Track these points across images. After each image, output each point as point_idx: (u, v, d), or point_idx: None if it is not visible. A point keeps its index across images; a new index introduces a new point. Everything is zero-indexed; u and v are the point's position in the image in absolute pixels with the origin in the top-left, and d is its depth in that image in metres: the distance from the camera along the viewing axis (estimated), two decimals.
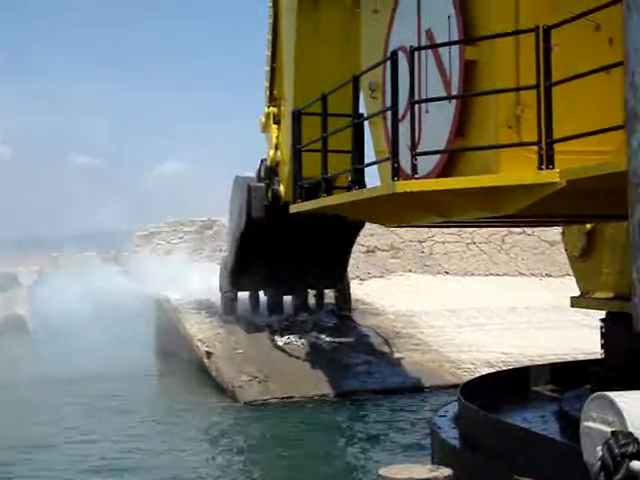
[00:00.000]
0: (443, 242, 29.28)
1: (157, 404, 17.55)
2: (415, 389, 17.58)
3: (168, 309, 23.08)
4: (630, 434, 4.85)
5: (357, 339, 20.29)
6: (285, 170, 18.46)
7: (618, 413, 5.01)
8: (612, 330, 8.86)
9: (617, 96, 6.67)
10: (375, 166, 9.05)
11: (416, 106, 7.43)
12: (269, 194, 19.34)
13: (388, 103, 7.85)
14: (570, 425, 7.27)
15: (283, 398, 16.69)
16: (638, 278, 5.05)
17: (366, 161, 9.24)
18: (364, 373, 18.16)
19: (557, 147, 6.55)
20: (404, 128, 7.48)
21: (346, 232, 19.91)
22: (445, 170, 7.54)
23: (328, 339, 19.83)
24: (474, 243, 29.50)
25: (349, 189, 9.47)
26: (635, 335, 5.32)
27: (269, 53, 19.63)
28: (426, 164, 7.51)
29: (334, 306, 21.92)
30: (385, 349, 19.86)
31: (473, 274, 28.15)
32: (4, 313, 29.62)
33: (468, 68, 7.23)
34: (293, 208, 11.61)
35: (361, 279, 26.27)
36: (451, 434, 8.47)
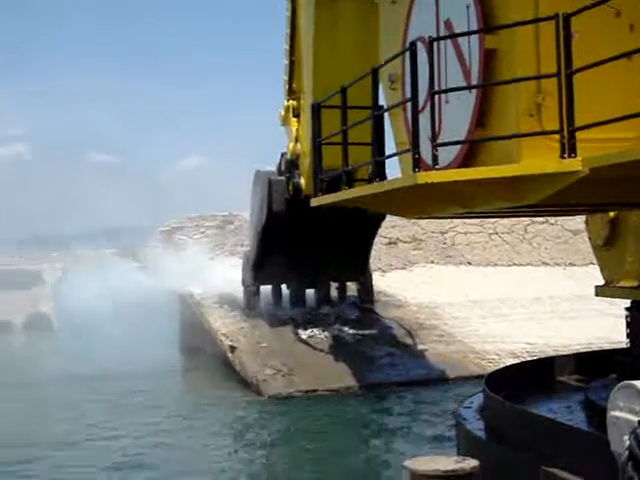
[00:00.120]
0: (465, 233, 29.17)
1: (182, 399, 17.61)
2: (439, 380, 17.55)
3: (192, 304, 23.16)
4: None
5: (380, 331, 20.27)
6: (305, 163, 18.45)
7: None
8: (638, 319, 8.80)
9: (638, 82, 6.63)
10: (396, 158, 9.02)
11: (436, 97, 7.39)
12: (290, 187, 19.33)
13: (408, 94, 7.81)
14: (596, 415, 7.23)
15: (307, 391, 16.71)
16: None
17: (386, 153, 9.21)
18: (388, 365, 18.14)
19: (579, 135, 6.50)
20: (424, 119, 7.44)
21: (368, 224, 19.88)
22: (466, 160, 7.50)
23: (351, 331, 19.83)
24: (496, 233, 29.36)
25: (370, 181, 9.43)
26: None
27: (287, 47, 19.61)
28: (447, 155, 7.47)
29: (356, 299, 21.91)
30: (408, 341, 19.83)
31: (496, 264, 28.02)
32: (29, 311, 29.86)
33: (488, 57, 7.18)
34: (314, 202, 11.59)
35: (383, 271, 26.22)
36: (476, 425, 8.46)
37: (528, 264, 28.23)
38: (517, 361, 16.38)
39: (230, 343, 19.15)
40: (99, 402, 16.73)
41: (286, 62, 19.83)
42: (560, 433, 6.97)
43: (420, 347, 19.36)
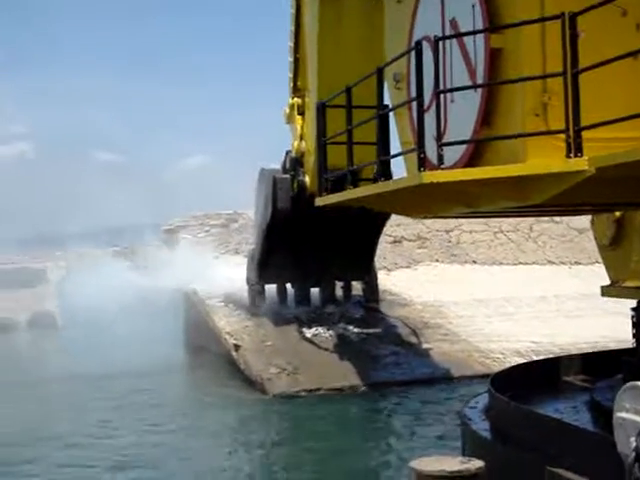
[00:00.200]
0: (470, 231, 29.13)
1: (186, 398, 17.57)
2: (444, 379, 17.52)
3: (196, 302, 23.16)
4: None
5: (385, 330, 20.24)
6: (310, 161, 18.42)
7: None
8: None
9: None
10: (401, 157, 9.00)
11: (441, 96, 7.38)
12: (295, 185, 19.31)
13: (413, 94, 7.81)
14: (602, 415, 7.21)
15: (312, 390, 16.69)
16: None
17: (392, 152, 9.19)
18: (392, 364, 18.12)
19: (585, 134, 6.48)
20: (429, 118, 7.43)
21: (372, 223, 19.85)
22: (472, 160, 7.49)
23: (356, 330, 19.80)
24: (502, 232, 29.32)
25: (375, 181, 9.42)
26: None
27: (292, 44, 19.59)
28: (452, 154, 7.46)
29: (362, 298, 21.88)
30: (413, 340, 19.81)
31: (501, 263, 27.97)
32: (34, 309, 29.89)
33: (493, 56, 7.17)
34: (319, 201, 11.58)
35: (388, 270, 26.19)
36: (482, 426, 8.44)
37: (533, 263, 28.17)
38: (522, 360, 16.38)
39: (234, 342, 19.14)
40: (103, 400, 16.73)
41: (290, 59, 19.81)
42: (566, 434, 6.95)
43: (425, 346, 19.34)
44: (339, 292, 21.84)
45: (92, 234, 40.27)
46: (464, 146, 7.51)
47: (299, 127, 19.58)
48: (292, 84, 19.90)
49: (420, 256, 27.99)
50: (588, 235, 22.18)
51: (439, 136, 7.31)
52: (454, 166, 7.47)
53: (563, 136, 6.55)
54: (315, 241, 19.90)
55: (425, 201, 8.41)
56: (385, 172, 9.03)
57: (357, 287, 22.12)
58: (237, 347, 18.90)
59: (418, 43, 7.53)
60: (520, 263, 28.09)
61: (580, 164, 6.44)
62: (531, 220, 29.17)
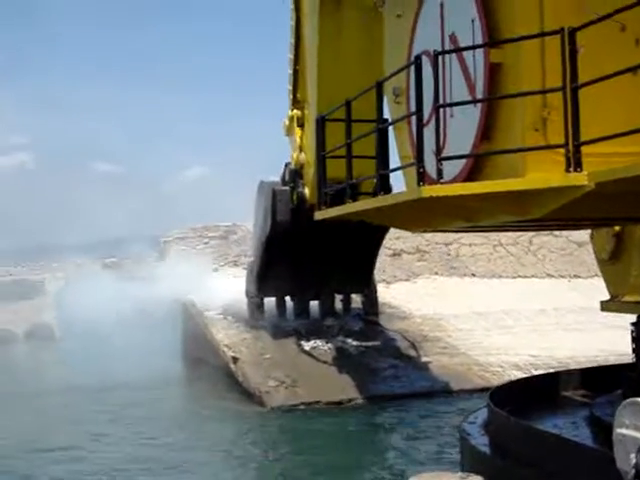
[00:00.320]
0: (470, 244, 29.11)
1: (184, 411, 17.48)
2: (443, 393, 17.49)
3: (194, 314, 23.12)
4: None
5: (384, 343, 20.20)
6: (310, 172, 18.42)
7: None
8: None
9: None
10: (401, 171, 9.00)
11: (441, 110, 7.38)
12: (294, 197, 19.29)
13: (412, 108, 7.81)
14: (602, 431, 7.19)
15: (310, 403, 16.65)
16: None
17: (391, 166, 9.19)
18: (391, 377, 18.08)
19: (584, 149, 6.49)
20: (429, 133, 7.43)
21: (372, 236, 19.81)
22: (471, 174, 7.48)
23: (355, 343, 19.76)
24: (501, 245, 29.31)
25: (374, 195, 9.41)
26: None
27: (291, 56, 19.61)
28: (452, 169, 7.46)
29: (361, 310, 21.84)
30: (412, 353, 19.77)
31: (501, 276, 27.95)
32: (32, 321, 29.87)
33: (493, 71, 7.17)
34: (318, 215, 11.57)
35: (387, 282, 26.16)
36: (481, 440, 8.42)
37: (533, 276, 28.15)
38: (521, 373, 16.38)
39: (233, 354, 19.09)
40: (100, 413, 16.70)
41: (290, 72, 19.82)
42: (565, 449, 6.93)
43: (424, 359, 19.30)
44: (338, 305, 21.79)
45: (90, 245, 40.26)
46: (463, 160, 7.51)
47: (298, 139, 19.58)
48: (292, 96, 19.91)
49: (419, 269, 27.97)
50: (587, 248, 22.15)
51: (438, 150, 7.31)
52: (453, 180, 7.47)
53: (562, 151, 6.55)
54: (314, 254, 19.86)
55: (424, 215, 8.40)
56: (384, 186, 9.03)
57: (357, 300, 22.08)
58: (235, 360, 18.86)
59: (418, 58, 7.54)
60: (519, 276, 28.07)
61: (579, 179, 6.44)
62: (531, 233, 29.18)
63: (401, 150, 8.99)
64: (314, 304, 21.46)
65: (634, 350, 8.92)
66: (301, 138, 19.50)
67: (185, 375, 22.15)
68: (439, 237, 28.69)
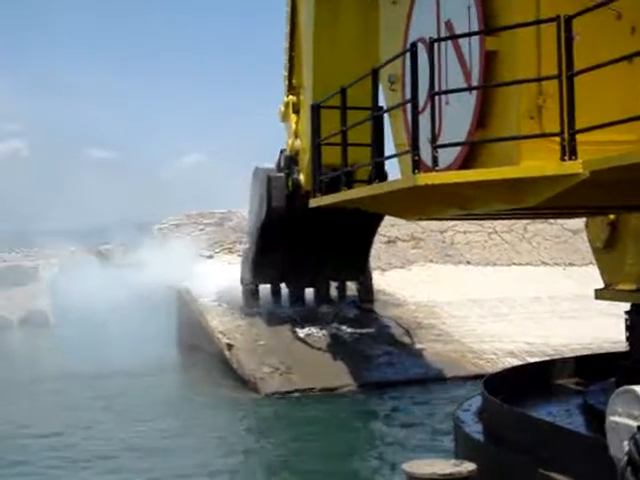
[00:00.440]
0: (464, 232, 29.10)
1: (178, 397, 17.43)
2: (437, 380, 17.53)
3: (189, 301, 23.11)
4: None
5: (378, 330, 20.24)
6: (305, 159, 18.37)
7: None
8: (637, 322, 8.78)
9: (639, 85, 6.60)
10: (396, 159, 8.98)
11: (436, 98, 7.36)
12: (289, 183, 19.24)
13: (408, 95, 7.79)
14: (595, 418, 7.21)
15: (305, 390, 16.68)
16: None
17: (386, 154, 9.17)
18: (385, 364, 18.12)
19: (579, 137, 6.47)
20: (424, 120, 7.41)
21: (367, 223, 19.80)
22: (466, 162, 7.47)
23: (349, 330, 19.79)
24: (496, 232, 29.31)
25: (369, 182, 9.40)
26: None
27: (287, 44, 19.55)
28: (447, 156, 7.45)
29: (356, 298, 21.86)
30: (407, 340, 19.81)
31: (495, 264, 27.95)
32: (26, 308, 29.84)
33: (489, 59, 7.16)
34: (313, 202, 11.55)
35: (382, 270, 26.15)
36: (475, 428, 8.44)
37: (527, 263, 28.16)
38: (516, 361, 16.40)
39: (227, 341, 19.10)
40: (94, 399, 16.68)
41: (286, 58, 19.77)
42: (559, 436, 6.95)
43: (418, 346, 19.34)
44: (333, 292, 21.81)
45: (85, 231, 40.19)
46: (458, 148, 7.50)
47: (294, 125, 19.52)
48: (287, 82, 19.83)
49: (414, 256, 27.97)
50: (582, 236, 22.18)
51: (434, 138, 7.29)
52: (448, 168, 7.46)
53: (558, 139, 6.54)
54: (310, 241, 19.85)
55: (419, 203, 8.39)
56: (379, 174, 9.01)
57: (352, 287, 22.10)
58: (230, 346, 18.87)
59: (413, 45, 7.51)
60: (514, 264, 28.08)
61: (574, 167, 6.44)
62: (525, 221, 29.15)
63: (396, 137, 8.98)
64: (309, 291, 21.47)
65: (628, 338, 8.94)
66: (296, 124, 19.45)
67: (180, 362, 22.14)
68: (434, 225, 28.67)
